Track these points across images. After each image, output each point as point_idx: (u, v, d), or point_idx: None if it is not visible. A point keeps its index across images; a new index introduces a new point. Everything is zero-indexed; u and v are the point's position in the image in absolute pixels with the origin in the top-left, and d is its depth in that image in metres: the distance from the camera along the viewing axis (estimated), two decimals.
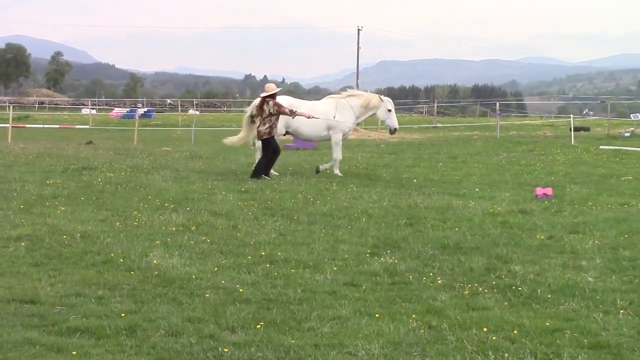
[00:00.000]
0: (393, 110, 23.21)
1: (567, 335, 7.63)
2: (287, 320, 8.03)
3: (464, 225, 13.80)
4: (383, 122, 23.70)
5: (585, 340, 7.48)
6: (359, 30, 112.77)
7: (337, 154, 22.95)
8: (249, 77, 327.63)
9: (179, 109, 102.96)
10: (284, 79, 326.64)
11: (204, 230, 13.03)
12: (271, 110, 21.17)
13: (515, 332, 7.68)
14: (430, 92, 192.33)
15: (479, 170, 24.93)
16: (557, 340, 7.46)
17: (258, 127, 21.47)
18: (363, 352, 7.10)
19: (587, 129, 54.46)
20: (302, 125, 22.59)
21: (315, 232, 12.95)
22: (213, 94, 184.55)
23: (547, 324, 7.93)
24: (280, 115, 21.68)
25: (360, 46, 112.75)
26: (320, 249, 11.63)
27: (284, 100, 22.60)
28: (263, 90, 21.87)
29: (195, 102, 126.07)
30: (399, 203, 16.41)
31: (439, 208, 15.82)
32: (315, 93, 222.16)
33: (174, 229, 13.07)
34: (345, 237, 12.60)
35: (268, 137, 21.27)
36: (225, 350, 7.08)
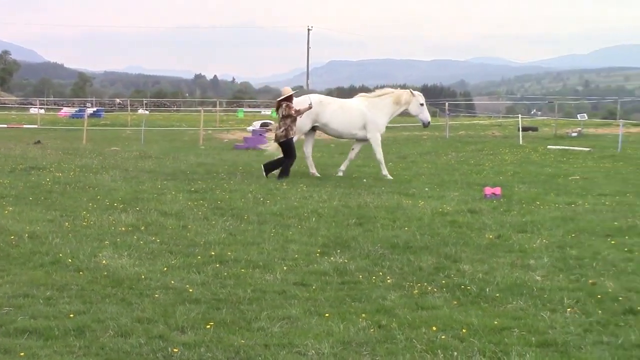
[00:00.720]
0: (425, 104, 23.33)
1: (515, 334, 7.70)
2: (237, 320, 8.03)
3: (414, 225, 13.87)
4: (416, 116, 23.62)
5: (533, 338, 7.55)
6: (309, 30, 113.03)
7: (380, 155, 22.96)
8: (199, 77, 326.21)
9: (129, 108, 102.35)
10: (234, 79, 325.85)
11: (153, 230, 12.98)
12: (284, 113, 21.13)
13: (463, 330, 7.73)
14: None
15: (428, 170, 25.07)
16: (506, 339, 7.52)
17: (275, 130, 21.44)
18: (313, 351, 7.12)
19: (535, 129, 54.92)
20: (333, 120, 22.54)
21: (265, 232, 12.95)
22: (163, 94, 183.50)
23: (495, 322, 8.00)
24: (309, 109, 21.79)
25: (310, 46, 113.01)
26: (270, 249, 11.63)
27: (314, 98, 22.63)
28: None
29: (144, 102, 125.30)
30: (349, 202, 16.44)
31: (389, 207, 15.87)
32: (266, 92, 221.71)
33: (123, 229, 13.00)
34: (295, 237, 12.60)
35: (285, 139, 21.22)
36: (175, 350, 7.06)
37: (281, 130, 21.13)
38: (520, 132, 43.13)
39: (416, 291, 9.36)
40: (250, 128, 46.24)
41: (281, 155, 21.69)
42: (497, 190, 18.03)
